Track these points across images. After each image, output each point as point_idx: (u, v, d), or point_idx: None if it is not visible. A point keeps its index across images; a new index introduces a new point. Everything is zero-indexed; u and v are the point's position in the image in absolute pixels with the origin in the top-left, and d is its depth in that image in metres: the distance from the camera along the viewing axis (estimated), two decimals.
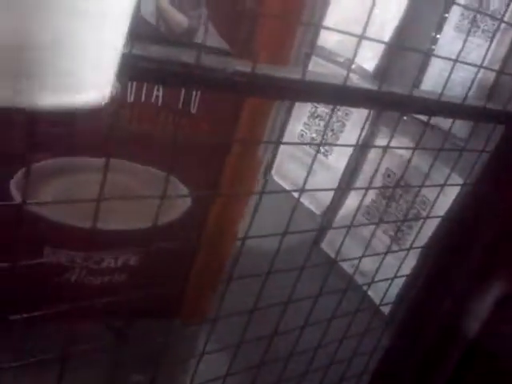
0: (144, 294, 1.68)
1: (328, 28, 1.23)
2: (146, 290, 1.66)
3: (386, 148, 1.09)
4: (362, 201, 0.95)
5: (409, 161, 0.96)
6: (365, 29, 0.78)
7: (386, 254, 0.92)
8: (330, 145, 1.42)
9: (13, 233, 1.56)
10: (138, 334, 1.94)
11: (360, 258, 0.89)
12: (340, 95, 0.70)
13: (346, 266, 1.34)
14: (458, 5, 1.12)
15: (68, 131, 1.57)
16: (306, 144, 1.49)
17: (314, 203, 1.40)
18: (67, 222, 1.62)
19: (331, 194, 1.34)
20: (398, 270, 0.98)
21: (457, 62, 0.79)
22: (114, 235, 1.77)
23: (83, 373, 1.30)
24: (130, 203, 1.88)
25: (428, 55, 1.18)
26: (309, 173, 0.74)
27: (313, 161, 0.78)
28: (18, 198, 1.50)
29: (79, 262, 1.72)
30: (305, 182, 0.73)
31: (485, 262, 0.98)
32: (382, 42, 1.20)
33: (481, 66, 0.84)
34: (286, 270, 0.76)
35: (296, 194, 1.44)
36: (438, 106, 0.82)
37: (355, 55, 0.74)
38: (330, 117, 1.42)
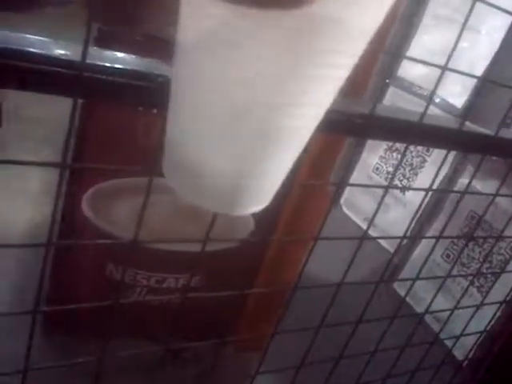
0: (201, 316, 1.66)
1: (411, 58, 1.19)
2: (203, 312, 1.64)
3: (463, 193, 1.03)
4: (434, 246, 0.89)
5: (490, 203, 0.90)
6: (448, 59, 0.73)
7: (477, 308, 0.86)
8: (398, 188, 1.37)
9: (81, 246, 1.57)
10: (193, 357, 1.92)
11: (451, 313, 0.83)
12: (412, 133, 0.65)
13: (411, 300, 1.27)
14: None
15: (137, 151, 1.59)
16: (373, 187, 1.43)
17: (387, 239, 1.34)
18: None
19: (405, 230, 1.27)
20: (487, 325, 0.91)
21: None
22: (177, 256, 1.77)
23: None
24: (194, 225, 1.87)
25: None
26: (377, 209, 0.69)
27: (382, 197, 0.73)
28: (89, 214, 1.52)
29: (141, 280, 1.72)
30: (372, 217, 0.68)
31: None
32: (466, 75, 1.14)
33: None
34: (371, 321, 0.71)
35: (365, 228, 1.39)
36: None
37: (436, 86, 0.69)
38: (403, 155, 1.37)
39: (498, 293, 1.07)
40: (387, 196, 1.40)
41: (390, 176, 1.39)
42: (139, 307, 1.73)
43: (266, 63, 0.22)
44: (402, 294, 1.28)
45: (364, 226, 1.41)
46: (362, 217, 1.44)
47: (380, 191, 1.41)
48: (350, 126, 0.57)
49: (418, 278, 0.74)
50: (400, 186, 1.34)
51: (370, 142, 1.45)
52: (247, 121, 0.25)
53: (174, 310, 1.82)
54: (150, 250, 1.67)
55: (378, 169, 1.43)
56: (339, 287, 0.68)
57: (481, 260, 1.10)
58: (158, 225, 1.69)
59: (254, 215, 1.84)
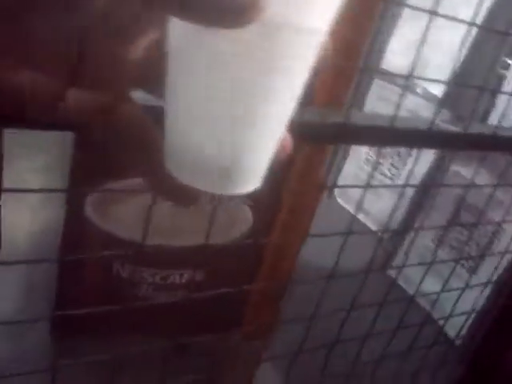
0: (208, 309, 1.72)
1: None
2: (209, 305, 1.70)
3: (440, 186, 1.07)
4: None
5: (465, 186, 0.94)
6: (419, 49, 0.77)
7: (463, 289, 0.91)
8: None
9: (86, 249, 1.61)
10: (200, 348, 1.98)
11: (438, 294, 0.88)
12: (385, 138, 0.69)
13: (405, 284, 1.32)
14: None
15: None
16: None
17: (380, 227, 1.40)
18: (137, 239, 1.67)
19: (398, 218, 1.32)
20: (473, 304, 0.96)
21: None
22: (181, 252, 1.82)
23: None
24: (196, 220, 1.92)
25: (495, 92, 1.16)
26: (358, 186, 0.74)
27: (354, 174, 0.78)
28: (92, 216, 1.57)
29: (146, 277, 1.78)
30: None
31: None
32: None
33: None
34: (367, 306, 0.76)
35: (360, 217, 1.44)
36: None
37: (413, 70, 0.73)
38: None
39: (485, 274, 1.12)
40: (379, 185, 1.45)
41: (379, 166, 1.44)
42: (146, 304, 1.78)
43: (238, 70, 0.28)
44: (398, 280, 1.33)
45: (357, 215, 1.46)
46: (354, 206, 1.49)
47: (371, 181, 1.46)
48: (327, 134, 0.62)
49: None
50: (389, 174, 1.39)
51: None
52: (235, 110, 0.29)
53: (179, 305, 1.88)
54: (155, 248, 1.71)
55: (367, 160, 1.48)
56: (330, 279, 0.72)
57: (469, 242, 1.15)
58: (161, 223, 1.74)
59: (252, 211, 1.89)
